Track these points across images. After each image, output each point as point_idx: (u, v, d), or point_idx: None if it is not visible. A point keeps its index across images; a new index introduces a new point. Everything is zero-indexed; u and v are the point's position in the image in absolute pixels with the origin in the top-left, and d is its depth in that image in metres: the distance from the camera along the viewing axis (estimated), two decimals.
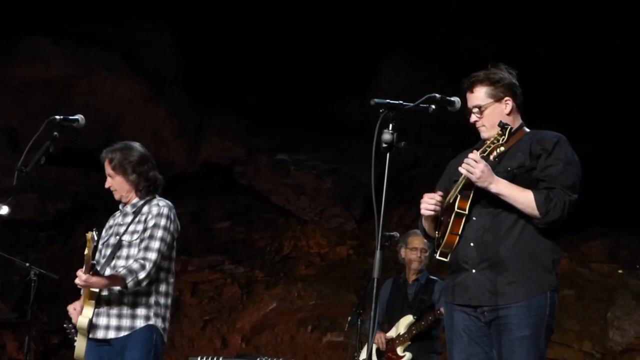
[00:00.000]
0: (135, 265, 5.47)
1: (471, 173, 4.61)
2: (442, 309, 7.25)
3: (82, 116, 5.23)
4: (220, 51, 14.09)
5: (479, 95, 4.86)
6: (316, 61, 14.33)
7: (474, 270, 4.75)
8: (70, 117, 5.19)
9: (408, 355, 7.74)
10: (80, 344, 5.67)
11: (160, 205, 5.73)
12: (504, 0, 13.96)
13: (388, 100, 4.35)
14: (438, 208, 4.86)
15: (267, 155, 13.43)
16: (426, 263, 7.97)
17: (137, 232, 5.66)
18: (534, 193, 4.60)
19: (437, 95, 4.44)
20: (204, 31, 14.11)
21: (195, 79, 13.77)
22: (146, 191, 5.83)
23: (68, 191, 12.48)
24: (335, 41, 14.36)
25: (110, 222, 5.95)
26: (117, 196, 5.85)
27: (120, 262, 5.58)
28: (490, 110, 4.86)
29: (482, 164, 4.58)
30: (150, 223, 5.64)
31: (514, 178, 4.70)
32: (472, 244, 4.75)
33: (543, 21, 14.50)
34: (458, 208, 4.73)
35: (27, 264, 8.23)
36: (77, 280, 5.42)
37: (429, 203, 4.85)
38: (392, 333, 7.79)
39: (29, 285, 8.03)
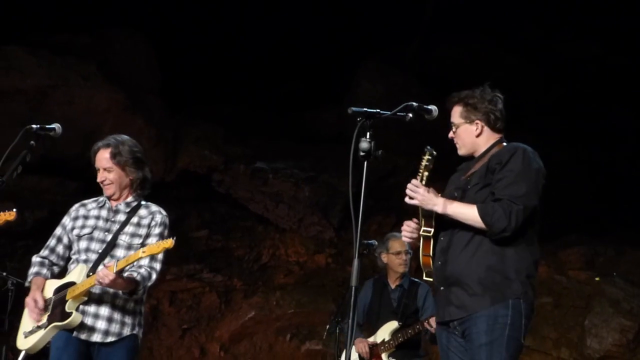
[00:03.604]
0: (145, 273, 5.32)
1: (412, 199, 4.78)
2: (430, 320, 7.29)
3: (58, 125, 5.20)
4: (197, 60, 14.10)
5: (455, 114, 5.05)
6: (293, 70, 14.36)
7: (442, 288, 4.89)
8: (47, 126, 5.18)
9: None
10: (47, 336, 5.31)
11: (162, 214, 5.58)
12: (477, 10, 14.08)
13: (365, 109, 4.37)
14: (415, 235, 4.99)
15: (245, 164, 13.41)
16: (409, 265, 7.95)
17: (138, 235, 5.46)
18: (477, 207, 4.70)
19: (414, 103, 4.48)
20: (181, 40, 14.12)
21: (172, 87, 13.75)
22: (144, 192, 5.68)
23: (45, 200, 12.40)
24: (312, 50, 14.40)
25: (82, 211, 5.65)
26: (110, 191, 5.54)
27: None
28: (461, 130, 5.04)
29: (421, 189, 4.75)
30: (156, 231, 5.48)
31: (464, 197, 4.84)
32: (439, 263, 4.89)
33: (514, 30, 14.63)
34: (423, 231, 4.90)
35: (5, 274, 8.20)
36: (102, 278, 5.05)
37: (405, 231, 5.01)
38: (374, 338, 7.78)
39: (6, 295, 8.01)
